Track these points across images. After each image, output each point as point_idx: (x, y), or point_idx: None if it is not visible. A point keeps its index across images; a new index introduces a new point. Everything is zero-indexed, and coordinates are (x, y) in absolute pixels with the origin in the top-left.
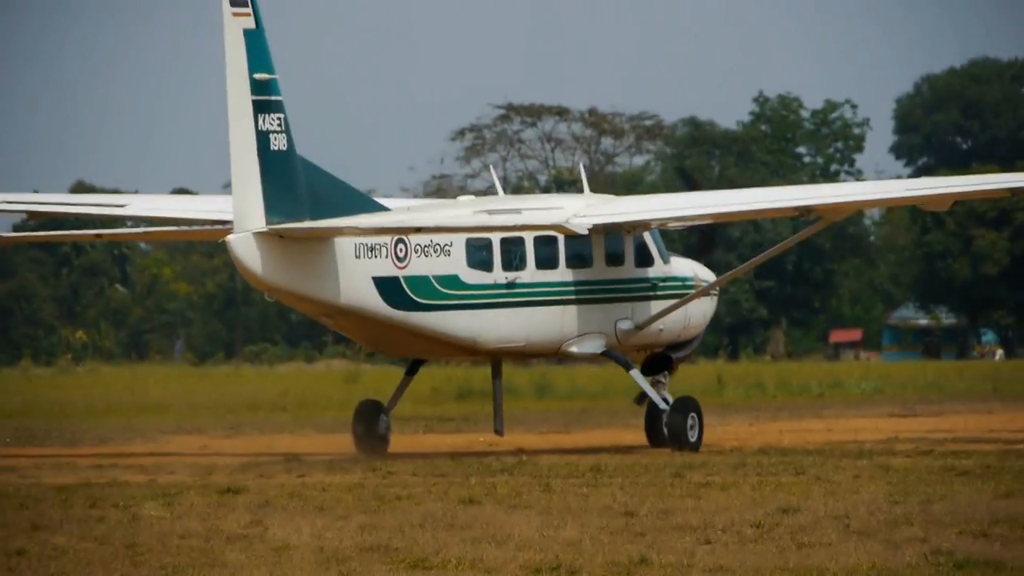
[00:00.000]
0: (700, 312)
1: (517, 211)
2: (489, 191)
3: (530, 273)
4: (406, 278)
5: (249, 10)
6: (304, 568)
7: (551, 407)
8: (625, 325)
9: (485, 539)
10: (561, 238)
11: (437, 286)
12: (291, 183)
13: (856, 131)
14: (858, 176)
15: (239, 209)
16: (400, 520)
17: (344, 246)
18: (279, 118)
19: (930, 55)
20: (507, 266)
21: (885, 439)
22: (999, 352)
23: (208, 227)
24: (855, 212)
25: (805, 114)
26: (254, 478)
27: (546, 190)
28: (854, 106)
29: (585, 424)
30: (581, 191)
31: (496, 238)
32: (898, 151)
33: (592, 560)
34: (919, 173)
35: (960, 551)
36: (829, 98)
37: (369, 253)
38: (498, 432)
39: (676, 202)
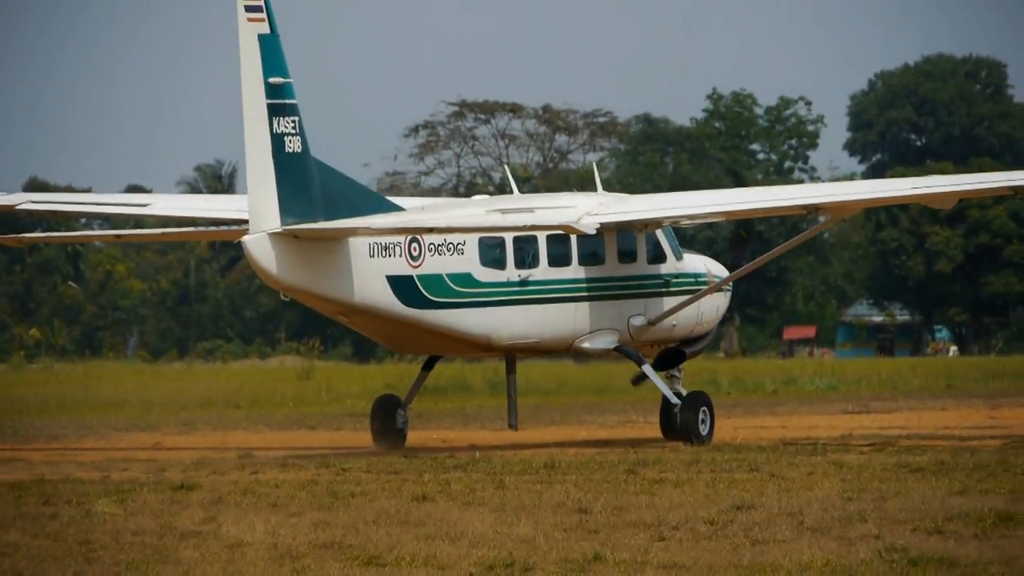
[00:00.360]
0: (713, 307)
1: (530, 210)
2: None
3: (543, 271)
4: (420, 277)
5: (264, 15)
6: (258, 565)
7: (504, 403)
8: (638, 321)
9: (439, 536)
10: (574, 236)
11: (451, 284)
12: (306, 184)
13: (810, 128)
14: (811, 173)
15: (255, 210)
16: (354, 517)
17: (358, 246)
18: (294, 121)
19: (884, 52)
20: (520, 264)
21: (839, 436)
22: (953, 349)
23: (234, 227)
24: (861, 210)
25: (759, 111)
26: (207, 475)
27: (500, 187)
28: (808, 103)
29: (539, 420)
30: (595, 189)
31: (509, 237)
32: (852, 148)
33: (546, 557)
34: (873, 170)
35: (914, 548)
36: (783, 95)
37: (383, 252)
38: (512, 427)
39: (687, 200)
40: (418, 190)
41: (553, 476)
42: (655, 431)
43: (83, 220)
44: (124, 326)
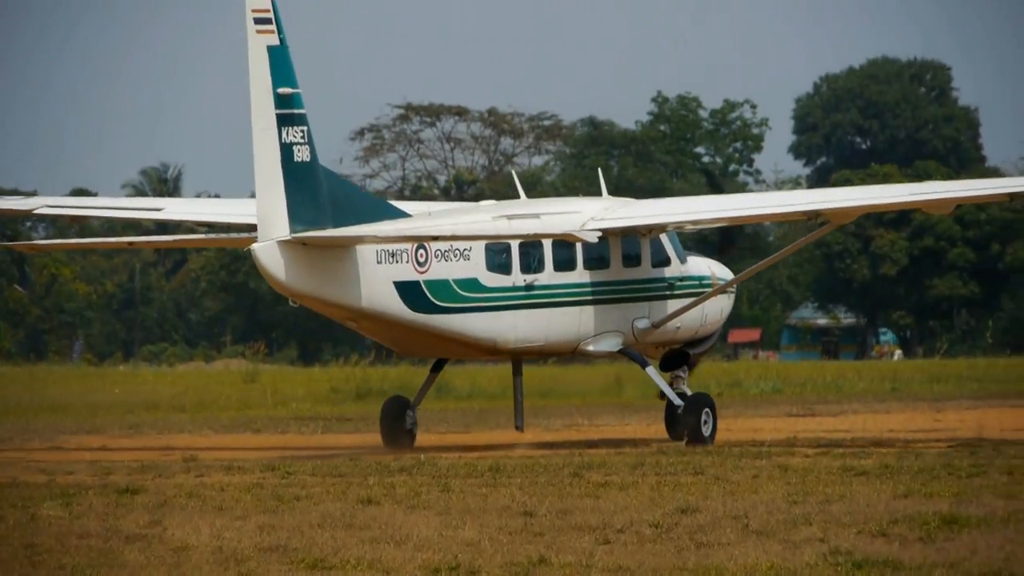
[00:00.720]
0: (717, 309)
1: (536, 216)
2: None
3: (548, 275)
4: (427, 282)
5: (273, 27)
6: (203, 568)
7: (449, 407)
8: (642, 324)
9: (384, 539)
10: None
11: (457, 289)
12: (314, 192)
13: (755, 131)
14: (756, 176)
15: (264, 218)
16: (299, 520)
17: (366, 252)
18: (302, 130)
19: (830, 55)
20: (525, 269)
21: (784, 439)
22: (897, 352)
23: (244, 234)
24: (861, 215)
25: (704, 114)
26: (153, 478)
27: (445, 190)
28: (753, 106)
29: (485, 424)
30: (599, 194)
31: (514, 242)
32: (797, 151)
33: (491, 560)
34: (818, 173)
35: (859, 551)
36: (728, 98)
37: (390, 259)
38: (519, 428)
39: (691, 206)
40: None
41: (498, 479)
42: (601, 433)
43: (28, 224)
44: (69, 329)
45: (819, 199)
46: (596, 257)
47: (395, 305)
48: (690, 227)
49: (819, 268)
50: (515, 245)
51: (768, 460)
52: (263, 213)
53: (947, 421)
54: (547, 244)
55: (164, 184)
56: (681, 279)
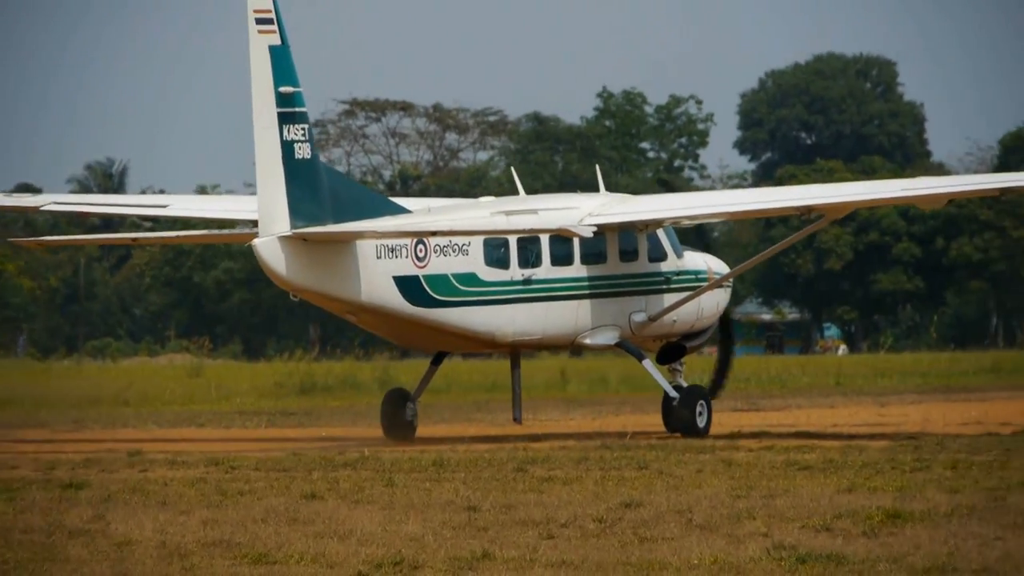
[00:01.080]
0: (713, 303)
1: (534, 211)
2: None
3: (546, 270)
4: (426, 277)
5: (275, 27)
6: (146, 563)
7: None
8: (639, 317)
9: (328, 534)
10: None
11: (456, 284)
12: (314, 189)
13: (700, 127)
14: (701, 172)
15: (265, 214)
16: (242, 515)
17: (365, 247)
18: (303, 128)
19: (775, 50)
20: (523, 263)
21: (728, 433)
22: (842, 347)
23: (247, 230)
24: (854, 211)
25: (649, 109)
26: (96, 473)
27: (390, 185)
28: (699, 102)
29: (429, 419)
30: (597, 190)
31: (513, 237)
32: (742, 146)
33: (435, 555)
34: (763, 168)
35: (802, 545)
36: (674, 93)
37: (390, 254)
38: (517, 420)
39: (686, 202)
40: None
41: (442, 474)
42: (545, 428)
43: None
44: (13, 324)
45: (813, 195)
46: (593, 252)
47: (395, 299)
48: (687, 223)
49: (764, 263)
50: (513, 240)
51: (712, 455)
52: (264, 209)
53: (891, 416)
54: (544, 239)
55: (109, 179)
56: (677, 273)
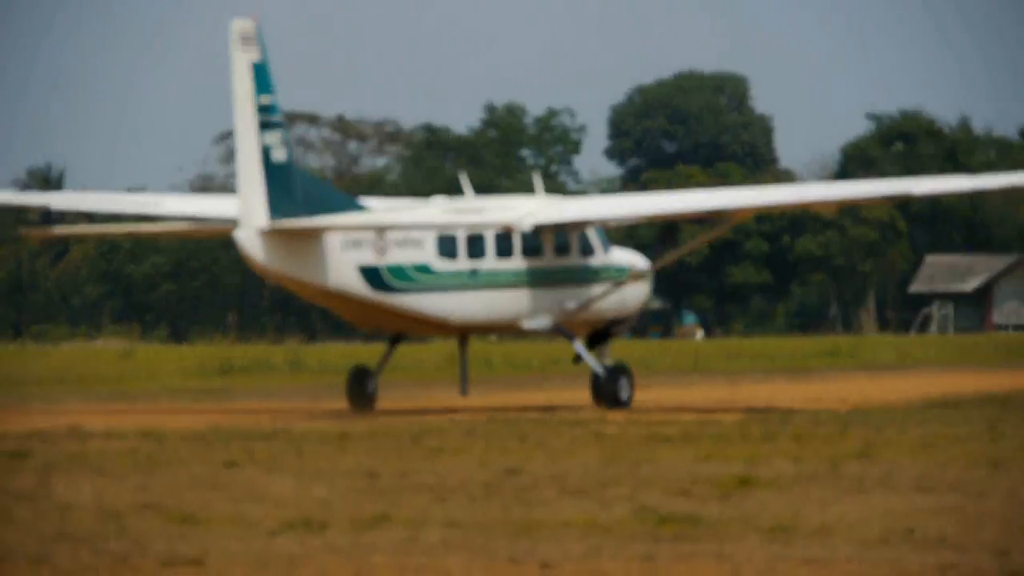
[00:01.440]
0: (635, 294)
1: (480, 210)
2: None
3: (491, 262)
4: (386, 267)
5: (256, 46)
6: (86, 523)
7: (303, 381)
8: (571, 305)
9: (245, 498)
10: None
11: (412, 273)
12: (289, 188)
13: (574, 136)
14: (575, 177)
15: (245, 210)
16: (170, 481)
17: (333, 240)
18: (279, 134)
19: (642, 67)
20: (471, 256)
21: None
22: (699, 332)
23: (230, 224)
24: (759, 214)
25: (529, 121)
26: (39, 444)
27: None
28: (573, 114)
29: (333, 397)
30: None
31: (462, 233)
32: (612, 154)
33: (339, 516)
34: (630, 174)
35: (664, 507)
36: (551, 106)
37: (354, 246)
38: (464, 394)
39: (611, 204)
40: (226, 190)
41: (346, 444)
42: (437, 402)
43: None
44: None
45: (722, 199)
46: (532, 247)
47: (358, 286)
48: (613, 223)
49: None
50: (462, 235)
51: (584, 428)
52: (245, 205)
53: (742, 393)
54: (490, 235)
55: (47, 183)
56: (605, 267)
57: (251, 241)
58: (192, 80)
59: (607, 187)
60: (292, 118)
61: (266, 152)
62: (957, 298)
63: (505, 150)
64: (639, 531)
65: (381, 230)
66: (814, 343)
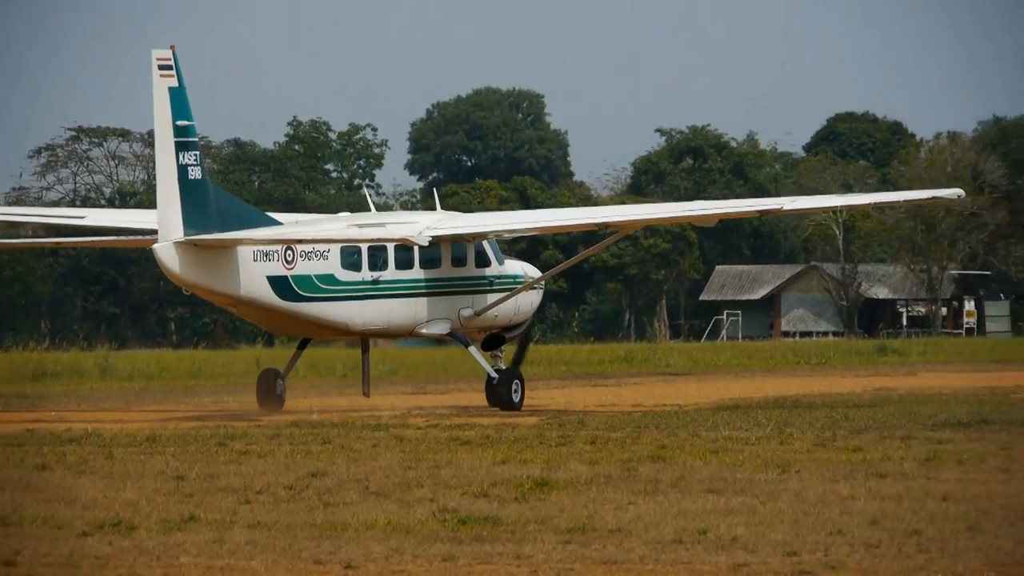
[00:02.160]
0: (528, 302)
1: (382, 225)
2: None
3: (391, 272)
4: (293, 277)
5: (174, 72)
6: None
7: (113, 387)
8: (466, 312)
9: (56, 500)
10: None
11: (317, 283)
12: (204, 204)
13: (376, 151)
14: (377, 190)
15: (163, 224)
16: None
17: (244, 252)
18: (195, 154)
19: (441, 84)
20: (373, 267)
21: (399, 414)
22: None
23: (148, 236)
24: (644, 227)
25: (333, 136)
26: None
27: (111, 200)
28: (375, 129)
29: (144, 402)
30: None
31: (364, 245)
32: (412, 168)
33: (148, 518)
34: (430, 187)
35: (463, 509)
36: (353, 122)
37: (264, 258)
38: (366, 395)
39: (503, 219)
40: (40, 202)
41: (155, 448)
42: (242, 406)
43: None
44: None
45: (610, 214)
46: (430, 258)
47: (268, 295)
48: (507, 235)
49: None
50: (364, 248)
51: (386, 432)
52: (163, 220)
53: (539, 398)
54: (390, 247)
55: None
56: (499, 277)
57: (168, 253)
58: (6, 95)
59: (407, 200)
60: (104, 133)
61: (183, 171)
62: (746, 306)
63: (310, 164)
64: (440, 532)
65: (290, 243)
66: (608, 349)
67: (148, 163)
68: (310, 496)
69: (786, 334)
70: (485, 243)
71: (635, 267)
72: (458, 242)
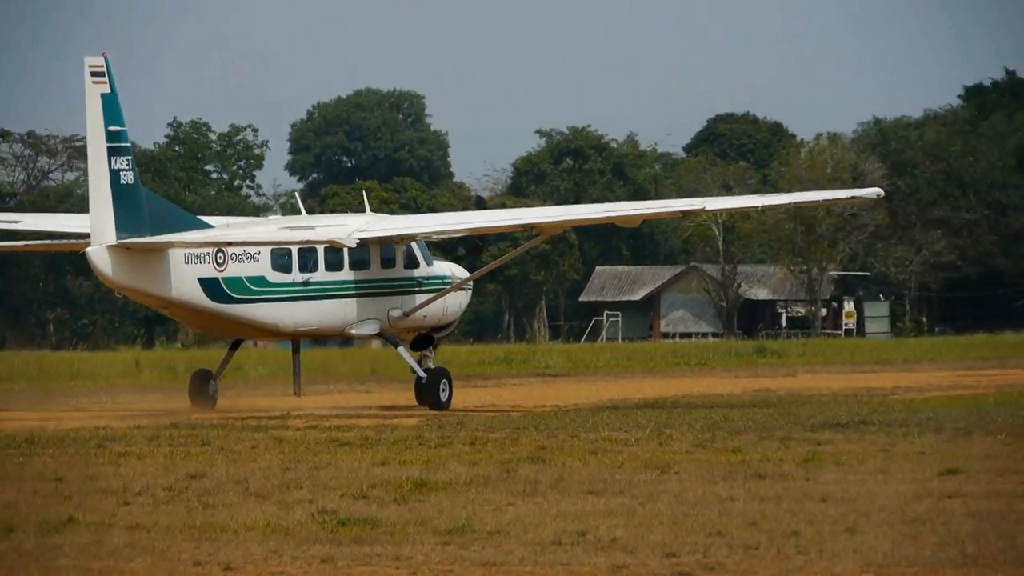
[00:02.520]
0: (456, 302)
1: (312, 227)
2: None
3: (321, 274)
4: (224, 278)
5: (106, 79)
6: None
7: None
8: (395, 313)
9: None
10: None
11: (248, 284)
12: (136, 208)
13: (257, 152)
14: (257, 190)
15: (96, 227)
16: None
17: (176, 255)
18: (127, 159)
19: (321, 85)
20: (303, 268)
21: (278, 416)
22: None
23: (82, 240)
24: (567, 228)
25: (213, 137)
26: None
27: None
28: (255, 130)
29: (23, 403)
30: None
31: (294, 247)
32: (293, 168)
33: (27, 520)
34: (311, 188)
35: (343, 511)
36: (233, 123)
37: (195, 260)
38: (296, 394)
39: (431, 221)
40: None
41: (34, 449)
42: (117, 410)
43: None
44: None
45: (534, 215)
46: (359, 260)
47: (199, 297)
48: (435, 237)
49: None
50: (295, 250)
51: (265, 433)
52: (96, 224)
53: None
54: (320, 249)
55: None
56: (427, 278)
57: (101, 256)
58: None
59: (287, 201)
60: None
61: (115, 175)
62: (625, 307)
63: (190, 165)
64: (319, 533)
65: (221, 246)
66: (488, 350)
67: (28, 164)
68: (189, 498)
69: (666, 335)
70: (414, 244)
71: (515, 268)
72: (387, 244)
